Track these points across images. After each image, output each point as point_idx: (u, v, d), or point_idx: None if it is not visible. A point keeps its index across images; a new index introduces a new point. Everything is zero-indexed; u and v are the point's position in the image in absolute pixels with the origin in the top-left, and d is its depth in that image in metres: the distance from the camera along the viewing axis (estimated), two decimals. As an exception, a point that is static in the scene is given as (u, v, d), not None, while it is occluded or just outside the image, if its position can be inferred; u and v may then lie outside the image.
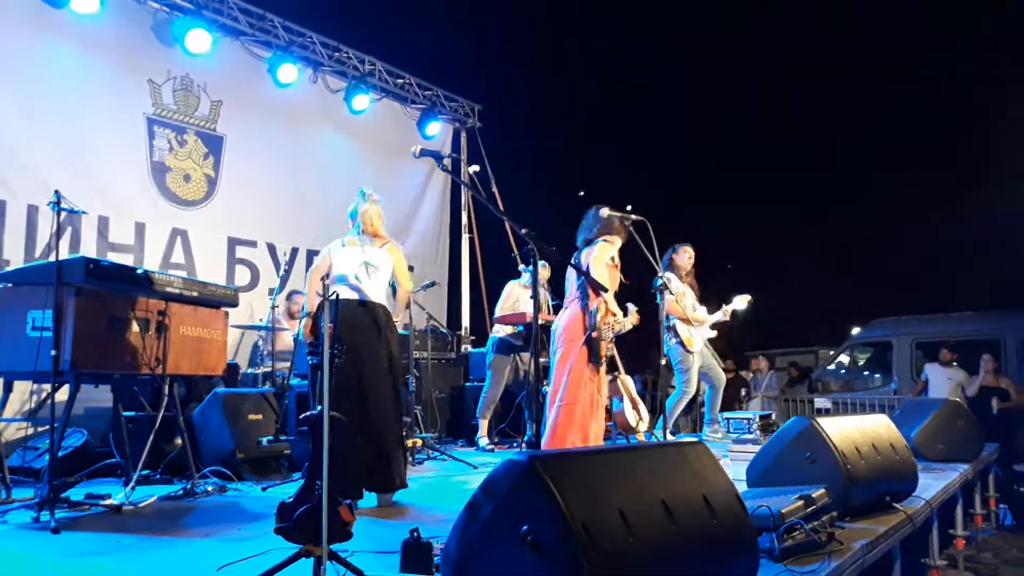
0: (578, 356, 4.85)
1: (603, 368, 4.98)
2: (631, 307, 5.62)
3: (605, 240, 5.06)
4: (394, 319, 4.64)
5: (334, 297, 3.43)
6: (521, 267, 7.51)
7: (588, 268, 4.90)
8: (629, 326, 5.52)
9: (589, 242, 5.15)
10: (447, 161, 4.04)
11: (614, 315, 5.03)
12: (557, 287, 5.89)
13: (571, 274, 5.16)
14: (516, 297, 7.37)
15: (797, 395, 12.22)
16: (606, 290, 4.86)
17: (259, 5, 8.17)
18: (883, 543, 3.37)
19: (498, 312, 7.30)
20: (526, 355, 7.34)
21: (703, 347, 7.21)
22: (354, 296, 4.46)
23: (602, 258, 5.02)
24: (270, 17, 8.25)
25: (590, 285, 4.84)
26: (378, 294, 4.57)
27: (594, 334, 4.83)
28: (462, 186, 10.09)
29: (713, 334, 7.30)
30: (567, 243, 5.41)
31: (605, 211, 5.07)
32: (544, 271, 7.35)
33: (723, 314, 7.33)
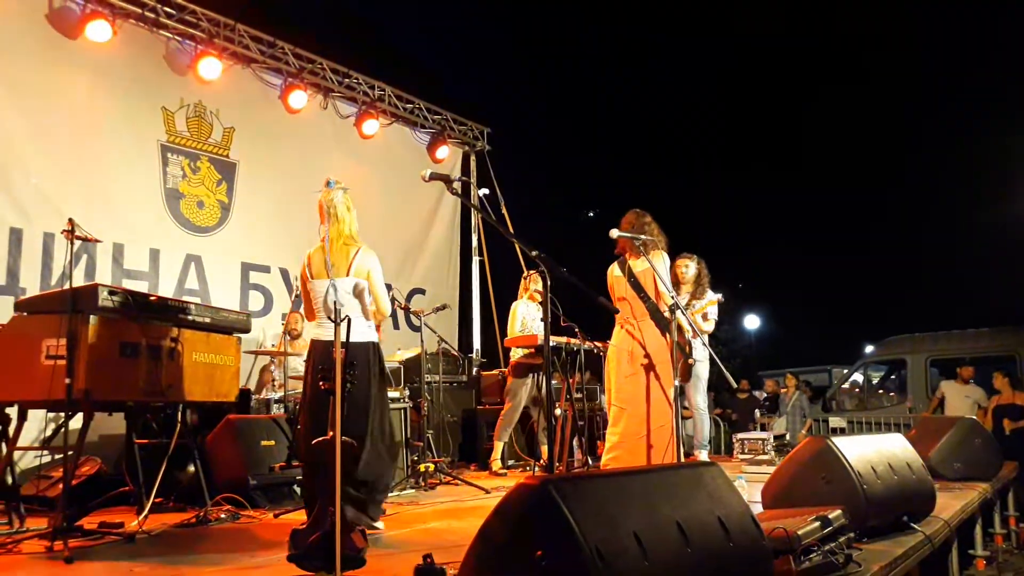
0: (665, 377, 4.79)
1: None
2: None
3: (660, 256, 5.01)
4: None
5: (345, 320, 3.20)
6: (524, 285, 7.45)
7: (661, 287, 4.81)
8: None
9: (640, 251, 4.96)
10: (457, 184, 3.99)
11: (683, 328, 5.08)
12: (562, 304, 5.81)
13: (626, 286, 5.05)
14: (524, 317, 7.31)
15: (811, 414, 12.13)
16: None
17: (270, 33, 8.27)
18: (901, 564, 3.33)
19: (510, 334, 7.25)
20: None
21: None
22: (330, 335, 3.49)
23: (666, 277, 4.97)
24: (280, 44, 8.35)
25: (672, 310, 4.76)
26: (363, 325, 4.06)
27: (690, 361, 4.91)
28: (472, 209, 10.13)
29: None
30: (577, 264, 5.38)
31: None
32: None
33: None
